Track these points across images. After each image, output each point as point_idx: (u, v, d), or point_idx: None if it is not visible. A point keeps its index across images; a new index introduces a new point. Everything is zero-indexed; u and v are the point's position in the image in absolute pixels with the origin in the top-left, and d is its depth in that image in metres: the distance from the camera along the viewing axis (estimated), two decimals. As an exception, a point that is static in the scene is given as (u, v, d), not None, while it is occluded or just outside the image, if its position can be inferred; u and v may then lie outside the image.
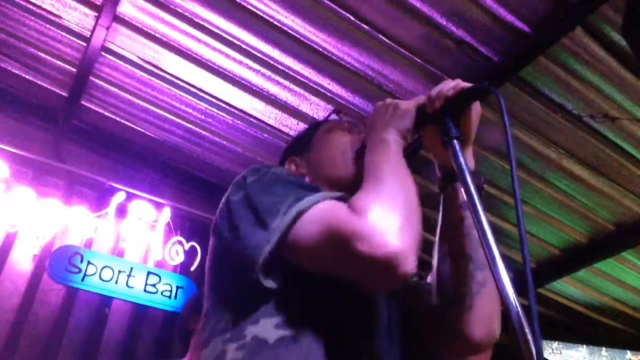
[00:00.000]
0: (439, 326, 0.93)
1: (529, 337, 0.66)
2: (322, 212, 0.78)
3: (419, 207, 0.81)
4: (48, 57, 2.92)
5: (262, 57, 2.72)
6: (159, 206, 3.35)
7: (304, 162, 1.08)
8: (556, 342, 4.08)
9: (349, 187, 0.96)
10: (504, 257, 0.74)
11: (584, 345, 4.08)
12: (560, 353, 4.07)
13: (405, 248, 0.72)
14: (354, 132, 1.08)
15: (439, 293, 0.95)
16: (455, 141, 0.89)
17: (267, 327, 0.78)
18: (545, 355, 3.99)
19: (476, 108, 0.95)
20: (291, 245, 0.78)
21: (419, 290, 1.02)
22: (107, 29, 2.61)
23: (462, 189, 0.86)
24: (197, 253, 3.37)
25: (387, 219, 0.73)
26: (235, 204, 0.86)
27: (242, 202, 0.85)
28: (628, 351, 4.12)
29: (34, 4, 2.62)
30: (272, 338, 0.77)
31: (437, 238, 0.98)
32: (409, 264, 0.72)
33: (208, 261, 0.92)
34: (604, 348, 4.11)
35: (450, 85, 0.92)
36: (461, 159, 0.86)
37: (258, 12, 2.50)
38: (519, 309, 0.68)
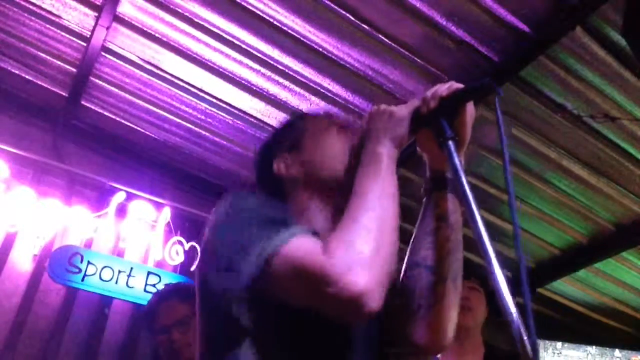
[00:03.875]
0: (395, 332, 0.96)
1: (526, 340, 0.66)
2: (293, 251, 0.79)
3: (396, 234, 0.82)
4: (48, 57, 2.92)
5: (262, 57, 2.72)
6: (159, 206, 3.35)
7: (295, 161, 1.04)
8: (560, 343, 4.08)
9: (341, 190, 0.97)
10: (500, 260, 0.74)
11: (594, 346, 4.07)
12: (560, 354, 4.07)
13: (370, 286, 0.74)
14: (348, 131, 1.06)
15: (400, 298, 0.96)
16: (450, 142, 0.90)
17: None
18: (547, 356, 3.99)
19: (470, 109, 0.96)
20: (264, 284, 0.80)
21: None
22: (107, 29, 2.61)
23: (458, 190, 0.87)
24: (197, 253, 3.36)
25: (353, 256, 0.75)
26: (211, 245, 0.88)
27: (218, 242, 0.87)
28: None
29: (34, 4, 2.62)
30: None
31: (410, 245, 1.00)
32: (374, 302, 0.75)
33: (197, 298, 0.94)
34: (617, 349, 4.10)
35: (444, 87, 0.93)
36: (456, 159, 0.87)
37: (258, 12, 2.50)
38: (514, 310, 0.69)
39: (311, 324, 0.83)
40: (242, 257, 0.81)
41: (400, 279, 0.98)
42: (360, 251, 0.76)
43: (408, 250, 0.99)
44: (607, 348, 4.11)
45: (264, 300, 0.82)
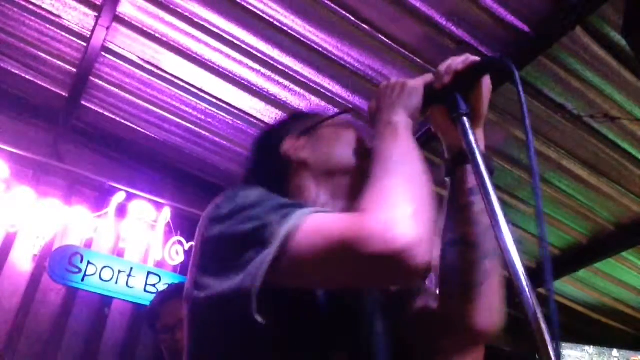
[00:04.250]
0: (440, 318, 0.89)
1: (546, 335, 0.64)
2: (319, 222, 0.72)
3: (429, 188, 0.76)
4: (48, 57, 2.92)
5: (262, 57, 2.72)
6: (159, 206, 3.35)
7: (307, 145, 0.98)
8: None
9: (355, 184, 0.91)
10: (519, 247, 0.71)
11: (591, 346, 4.07)
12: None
13: (417, 237, 0.67)
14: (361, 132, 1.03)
15: (442, 283, 0.90)
16: (464, 118, 0.85)
17: None
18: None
19: (487, 83, 0.90)
20: (288, 267, 0.70)
21: (411, 292, 0.97)
22: (107, 29, 2.61)
23: (472, 170, 0.82)
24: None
25: (397, 212, 0.68)
26: (213, 244, 0.78)
27: (221, 239, 0.78)
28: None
29: (34, 4, 2.62)
30: None
31: (443, 225, 0.93)
32: (423, 256, 0.67)
33: (186, 318, 0.82)
34: (615, 349, 4.10)
35: (459, 60, 0.88)
36: (471, 136, 0.83)
37: (258, 12, 2.50)
38: (537, 308, 0.66)
39: (329, 324, 0.79)
40: (257, 242, 0.72)
41: (439, 262, 0.91)
42: (397, 205, 0.69)
43: (441, 232, 0.93)
44: (606, 348, 4.11)
45: (283, 295, 0.73)
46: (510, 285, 0.71)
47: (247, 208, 0.77)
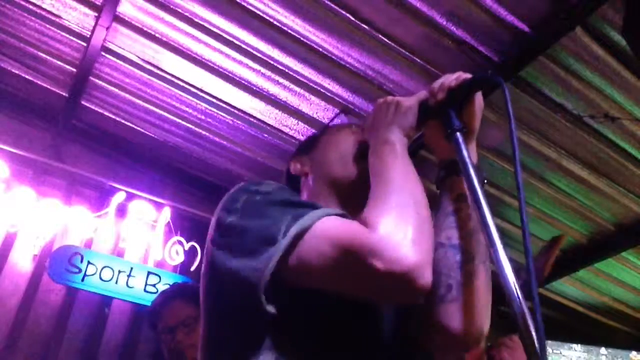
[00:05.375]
0: (423, 319, 0.89)
1: (534, 335, 0.65)
2: (329, 227, 0.74)
3: (429, 212, 0.79)
4: (48, 57, 2.92)
5: (262, 57, 2.72)
6: (159, 206, 3.35)
7: (308, 160, 1.07)
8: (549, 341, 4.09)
9: (352, 187, 0.96)
10: (509, 255, 0.73)
11: (579, 344, 4.08)
12: (560, 352, 4.07)
13: (421, 260, 0.70)
14: (358, 132, 1.06)
15: None
16: (458, 134, 0.88)
17: (274, 355, 0.75)
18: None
19: (479, 99, 0.94)
20: (295, 266, 0.73)
21: None
22: (107, 29, 2.61)
23: (464, 182, 0.84)
24: (197, 253, 3.37)
25: (400, 232, 0.71)
26: (227, 229, 0.80)
27: (235, 225, 0.79)
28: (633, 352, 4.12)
29: (34, 4, 2.62)
30: None
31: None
32: (426, 277, 0.71)
33: (202, 291, 0.86)
34: (603, 347, 4.11)
35: (452, 77, 0.92)
36: (464, 152, 0.85)
37: (258, 12, 2.50)
38: (524, 309, 0.67)
39: (339, 314, 0.79)
40: (269, 236, 0.74)
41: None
42: (405, 226, 0.72)
43: None
44: (593, 346, 4.12)
45: (291, 288, 0.75)
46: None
47: (266, 201, 0.80)
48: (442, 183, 0.97)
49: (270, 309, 0.74)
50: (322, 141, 1.09)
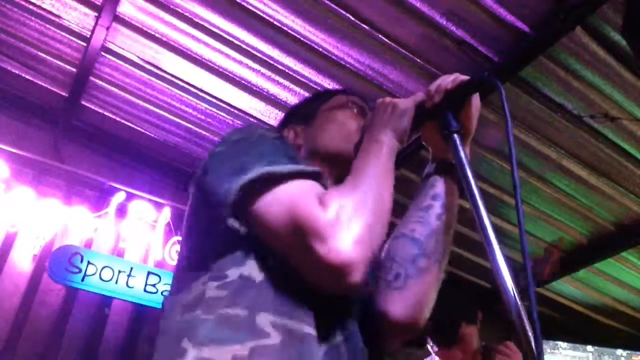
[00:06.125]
0: (369, 303, 0.91)
1: (530, 335, 0.65)
2: (291, 191, 0.76)
3: (388, 217, 0.80)
4: (48, 57, 2.92)
5: (262, 57, 2.72)
6: (159, 206, 3.35)
7: (304, 132, 1.07)
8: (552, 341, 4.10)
9: (343, 168, 0.95)
10: (505, 255, 0.74)
11: (565, 342, 4.09)
12: (560, 352, 4.07)
13: (358, 259, 0.71)
14: (361, 118, 1.07)
15: (380, 271, 0.93)
16: (455, 135, 0.89)
17: (253, 267, 0.77)
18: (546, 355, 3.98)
19: (476, 101, 0.95)
20: (254, 213, 0.76)
21: None
22: (107, 29, 2.61)
23: (462, 182, 0.85)
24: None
25: (350, 225, 0.72)
26: (214, 156, 0.86)
27: (221, 154, 0.85)
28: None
29: (34, 4, 2.62)
30: (258, 277, 0.76)
31: (402, 219, 0.97)
32: (356, 276, 0.71)
33: (186, 213, 0.90)
34: (589, 346, 4.12)
35: (449, 79, 0.92)
36: (462, 153, 0.86)
37: (258, 12, 2.50)
38: (520, 309, 0.68)
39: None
40: (241, 169, 0.78)
41: (385, 248, 0.95)
42: (356, 222, 0.73)
43: (398, 225, 0.97)
44: (579, 345, 4.13)
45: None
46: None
47: (256, 141, 0.85)
48: (426, 178, 0.99)
49: (237, 226, 0.77)
50: (321, 115, 1.08)
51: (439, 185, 0.96)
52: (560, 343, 4.07)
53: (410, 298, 0.89)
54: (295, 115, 1.13)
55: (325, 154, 1.02)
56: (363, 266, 0.72)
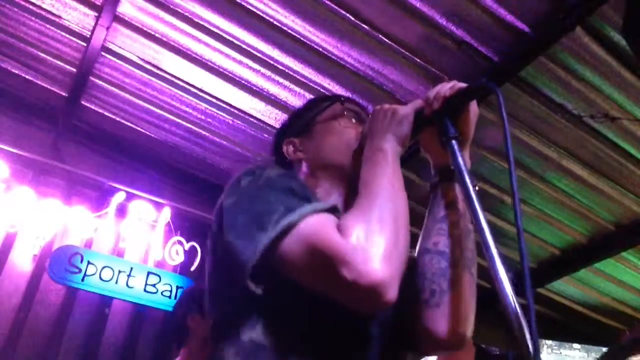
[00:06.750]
0: (410, 319, 0.91)
1: (528, 338, 0.66)
2: (310, 229, 0.76)
3: (408, 226, 0.81)
4: (48, 57, 2.92)
5: (262, 57, 2.72)
6: (159, 206, 3.35)
7: (303, 145, 1.07)
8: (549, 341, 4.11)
9: (347, 177, 0.98)
10: (503, 258, 0.74)
11: (550, 340, 4.10)
12: (560, 352, 4.07)
13: (389, 277, 0.72)
14: (359, 125, 1.07)
15: (411, 287, 0.92)
16: (453, 141, 0.89)
17: (263, 331, 0.79)
18: (543, 354, 3.99)
19: (474, 107, 0.96)
20: (278, 258, 0.77)
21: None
22: (107, 29, 2.61)
23: (460, 189, 0.87)
24: (197, 253, 3.37)
25: (374, 245, 0.73)
26: (227, 210, 0.85)
27: (234, 208, 0.84)
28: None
29: (34, 4, 2.62)
30: (269, 342, 0.78)
31: (421, 234, 0.97)
32: (391, 293, 0.72)
33: (207, 267, 0.92)
34: (574, 344, 4.13)
35: (447, 86, 0.93)
36: (460, 159, 0.87)
37: (258, 12, 2.50)
38: (517, 309, 0.68)
39: (327, 307, 0.80)
40: (261, 224, 0.78)
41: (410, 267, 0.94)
42: (378, 240, 0.74)
43: (419, 240, 0.97)
44: (565, 343, 4.14)
45: (278, 275, 0.78)
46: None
47: (267, 186, 0.84)
48: (434, 188, 0.99)
49: (256, 289, 0.77)
50: (320, 126, 1.08)
51: (449, 193, 0.96)
52: (545, 341, 4.07)
53: (451, 314, 0.88)
54: (292, 127, 1.13)
55: (327, 166, 1.02)
56: (395, 281, 0.73)
